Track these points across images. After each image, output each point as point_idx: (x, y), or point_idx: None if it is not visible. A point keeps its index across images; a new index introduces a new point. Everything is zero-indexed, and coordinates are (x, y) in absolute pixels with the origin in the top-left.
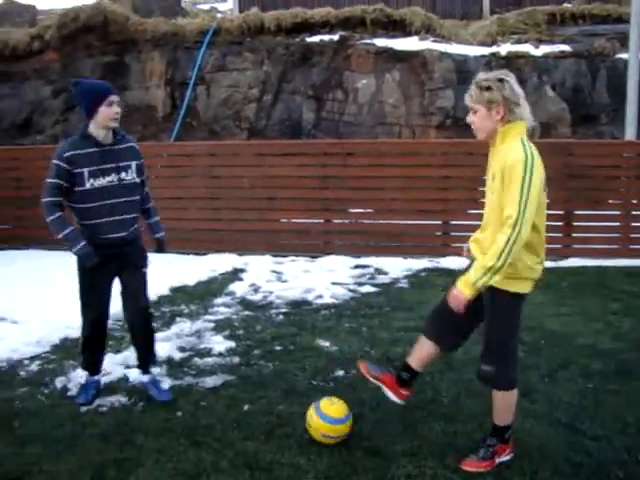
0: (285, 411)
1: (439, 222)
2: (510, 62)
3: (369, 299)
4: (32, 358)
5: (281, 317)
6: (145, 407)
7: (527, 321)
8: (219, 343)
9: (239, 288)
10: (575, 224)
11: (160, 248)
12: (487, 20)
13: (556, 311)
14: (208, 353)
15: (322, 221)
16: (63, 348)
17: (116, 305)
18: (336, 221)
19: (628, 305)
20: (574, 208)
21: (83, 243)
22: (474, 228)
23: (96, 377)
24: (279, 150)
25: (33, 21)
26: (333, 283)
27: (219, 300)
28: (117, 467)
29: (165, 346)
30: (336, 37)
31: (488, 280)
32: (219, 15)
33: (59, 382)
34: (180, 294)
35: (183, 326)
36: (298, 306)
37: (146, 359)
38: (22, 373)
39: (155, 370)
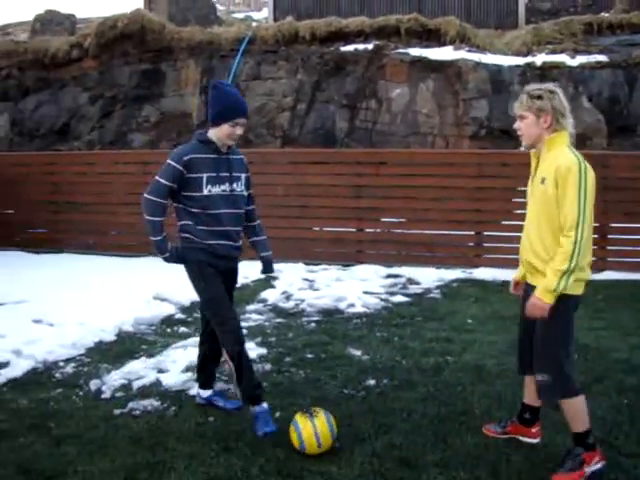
0: None
1: (472, 233)
2: (545, 72)
3: (401, 309)
4: (67, 360)
5: (313, 325)
6: (177, 412)
7: None
8: (251, 350)
9: (271, 295)
10: (610, 237)
11: (266, 268)
12: (522, 30)
13: (590, 325)
14: None
15: (354, 230)
16: (98, 351)
17: (145, 309)
18: (368, 230)
19: None
20: (609, 221)
21: (170, 250)
22: (507, 239)
23: (265, 403)
24: (312, 158)
25: (72, 29)
26: (365, 292)
27: (251, 307)
28: (149, 470)
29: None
30: (370, 46)
31: (566, 284)
32: (254, 24)
33: (93, 384)
34: None
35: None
36: (330, 314)
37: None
38: (57, 375)
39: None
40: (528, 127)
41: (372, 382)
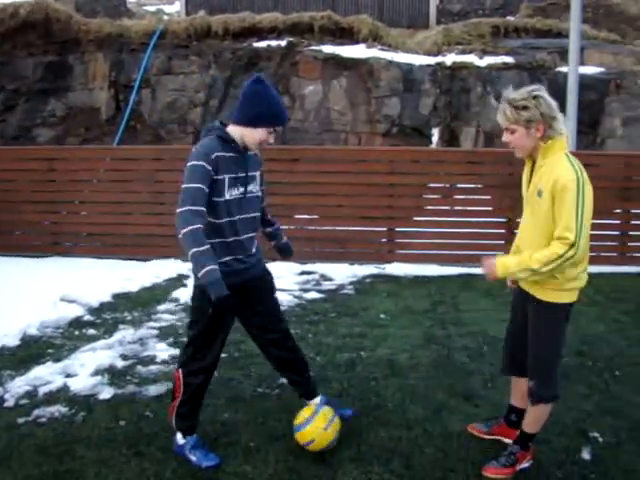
0: (230, 419)
1: (384, 229)
2: (455, 72)
3: (314, 305)
4: None
5: None
6: (86, 417)
7: (470, 327)
8: (163, 350)
9: (183, 294)
10: (517, 232)
11: (286, 251)
12: (433, 30)
13: (499, 317)
14: (152, 361)
15: None
16: (0, 357)
17: (51, 312)
18: (281, 227)
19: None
20: (517, 216)
21: (214, 268)
22: (419, 235)
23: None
24: None
25: None
26: (278, 289)
27: (163, 307)
28: None
29: (107, 354)
30: (284, 43)
31: (524, 278)
32: (165, 17)
33: None
34: (122, 301)
35: (126, 333)
36: None
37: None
38: None
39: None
40: (520, 140)
41: (286, 380)
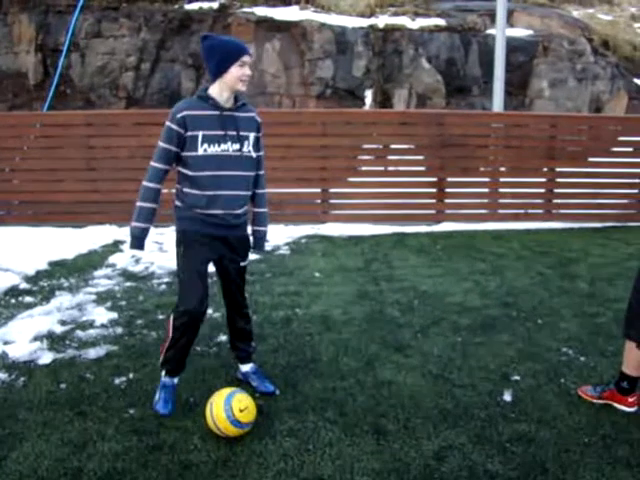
0: None
1: (318, 190)
2: (387, 34)
3: (251, 266)
4: None
5: (163, 287)
6: (27, 382)
7: (402, 282)
8: (101, 315)
9: (120, 260)
10: (447, 191)
11: (257, 243)
12: None
13: (429, 272)
14: (90, 325)
15: None
16: None
17: None
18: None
19: (494, 265)
20: (446, 176)
21: (142, 225)
22: (353, 195)
23: (176, 379)
24: (158, 120)
25: None
26: None
27: (100, 272)
28: None
29: (46, 320)
30: (216, 5)
31: None
32: None
33: None
34: (59, 268)
35: (63, 299)
36: None
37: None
38: None
39: (40, 345)
40: None
41: (223, 338)
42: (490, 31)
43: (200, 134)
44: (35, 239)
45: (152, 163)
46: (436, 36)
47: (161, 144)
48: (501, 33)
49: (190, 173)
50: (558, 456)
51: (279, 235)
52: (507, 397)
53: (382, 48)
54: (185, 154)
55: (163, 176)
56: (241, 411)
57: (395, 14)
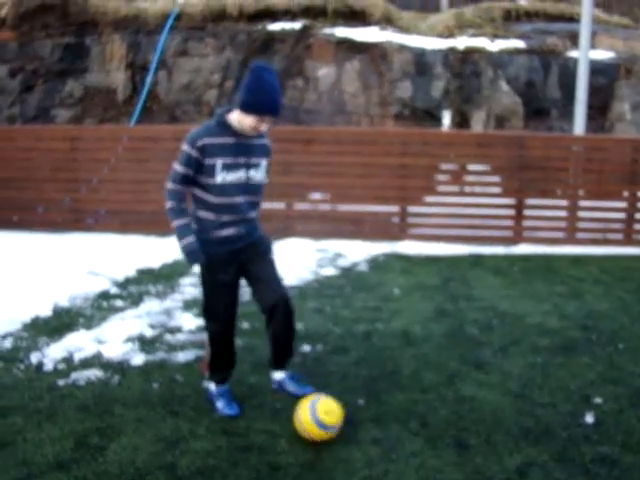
0: (256, 383)
1: (397, 208)
2: (466, 56)
3: (331, 281)
4: (4, 336)
5: (246, 297)
6: (121, 380)
7: (480, 302)
8: (188, 321)
9: None
10: (525, 213)
11: None
12: (445, 13)
13: (507, 293)
14: (178, 330)
15: (283, 206)
16: (35, 326)
17: (79, 285)
18: (297, 206)
19: (573, 289)
20: (525, 197)
21: (187, 240)
22: (430, 215)
23: (227, 384)
24: None
25: None
26: (295, 265)
27: (185, 280)
28: (99, 435)
29: (136, 323)
30: (297, 26)
31: None
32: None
33: (34, 357)
34: (146, 275)
35: (152, 305)
36: None
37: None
38: None
39: (132, 346)
40: None
41: (307, 348)
42: (570, 53)
43: (219, 162)
44: (122, 246)
45: (171, 185)
46: (515, 58)
47: (179, 168)
48: (584, 56)
49: (207, 198)
50: None
51: (357, 251)
52: (589, 419)
53: (461, 69)
54: (202, 180)
55: (183, 197)
56: (326, 413)
57: (474, 35)
